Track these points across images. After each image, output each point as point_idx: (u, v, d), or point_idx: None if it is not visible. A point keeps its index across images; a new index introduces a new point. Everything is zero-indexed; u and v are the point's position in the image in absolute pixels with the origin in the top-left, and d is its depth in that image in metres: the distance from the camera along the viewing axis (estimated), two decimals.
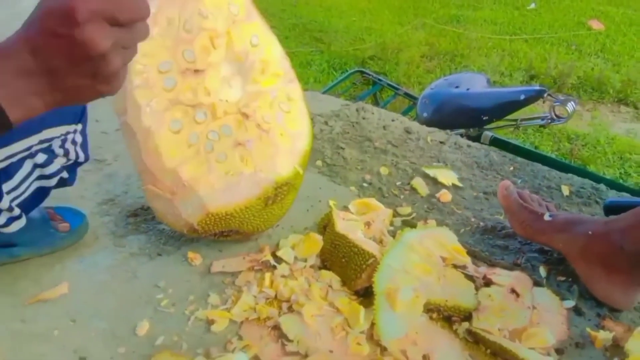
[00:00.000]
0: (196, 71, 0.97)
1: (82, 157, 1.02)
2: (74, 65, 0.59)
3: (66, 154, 0.98)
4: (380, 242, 1.08)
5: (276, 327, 0.90)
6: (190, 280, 1.00)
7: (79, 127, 1.00)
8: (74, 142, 1.00)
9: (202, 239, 1.06)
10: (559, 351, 0.89)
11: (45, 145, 0.93)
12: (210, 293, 0.97)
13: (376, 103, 2.55)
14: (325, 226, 1.13)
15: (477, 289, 0.98)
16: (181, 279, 1.00)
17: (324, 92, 2.18)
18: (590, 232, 1.00)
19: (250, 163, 1.00)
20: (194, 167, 0.97)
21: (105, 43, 0.58)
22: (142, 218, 1.15)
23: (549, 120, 1.77)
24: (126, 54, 0.62)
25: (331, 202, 1.24)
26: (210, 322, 0.91)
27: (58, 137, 0.95)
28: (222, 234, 1.04)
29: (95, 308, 0.92)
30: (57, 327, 0.87)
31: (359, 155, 1.46)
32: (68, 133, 0.97)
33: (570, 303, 0.98)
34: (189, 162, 0.96)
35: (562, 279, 1.04)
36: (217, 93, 1.00)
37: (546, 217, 1.06)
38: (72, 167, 1.02)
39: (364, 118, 1.64)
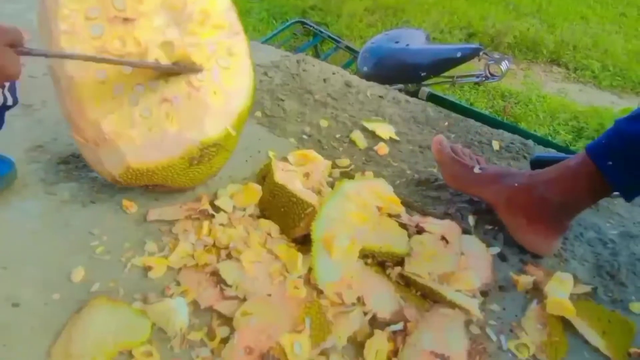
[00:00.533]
0: (125, 19, 0.93)
1: (10, 101, 0.97)
2: None
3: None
4: (319, 192, 1.10)
5: (214, 273, 0.91)
6: (125, 228, 0.99)
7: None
8: (1, 86, 0.94)
9: (136, 187, 1.04)
10: (483, 293, 0.96)
11: None
12: (146, 241, 0.96)
13: (317, 55, 2.53)
14: (264, 176, 1.14)
15: (409, 236, 1.02)
16: (116, 227, 0.99)
17: (263, 42, 2.13)
18: (515, 184, 1.05)
19: (176, 121, 0.97)
20: (117, 120, 0.93)
21: (17, 68, 0.79)
22: (73, 165, 1.11)
23: (484, 78, 1.83)
24: None
25: (270, 153, 1.25)
26: (147, 269, 0.91)
27: None
28: (148, 187, 1.02)
29: (27, 255, 0.89)
30: None
31: (299, 107, 1.46)
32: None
33: (496, 249, 1.04)
34: (112, 114, 0.93)
35: (489, 227, 1.10)
36: (148, 43, 0.96)
37: (476, 170, 1.11)
38: (0, 111, 0.97)
39: (304, 70, 1.63)
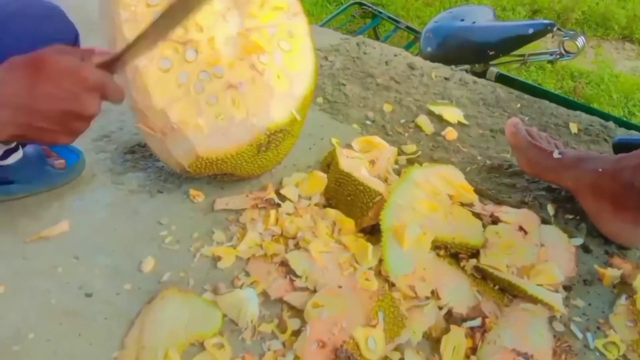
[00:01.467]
0: None
1: None
2: (58, 113, 0.68)
3: None
4: (385, 180, 1.06)
5: (283, 264, 0.89)
6: (193, 217, 0.98)
7: None
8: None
9: (203, 176, 1.04)
10: (567, 288, 0.90)
11: None
12: (214, 230, 0.96)
13: (376, 37, 2.47)
14: (328, 164, 1.11)
15: (484, 226, 0.96)
16: (184, 216, 0.98)
17: (320, 26, 2.09)
18: (600, 169, 0.98)
19: (242, 107, 0.95)
20: (183, 109, 0.92)
21: (97, 109, 0.71)
22: (139, 155, 1.11)
23: (558, 56, 1.72)
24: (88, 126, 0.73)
25: (334, 140, 1.21)
26: (216, 259, 0.90)
27: None
28: (216, 176, 1.01)
29: (98, 245, 0.90)
30: (60, 264, 0.85)
31: (361, 91, 1.41)
32: None
33: (579, 240, 0.98)
34: (178, 102, 0.92)
35: (570, 216, 1.03)
36: (210, 29, 0.94)
37: (555, 155, 1.03)
38: None
39: (365, 53, 1.58)
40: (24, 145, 0.93)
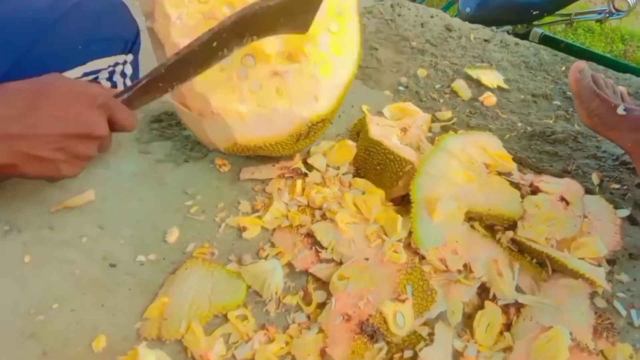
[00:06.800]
0: None
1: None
2: (61, 137, 0.62)
3: (113, 86, 0.91)
4: (418, 148, 1.01)
5: (309, 235, 0.86)
6: (219, 187, 0.96)
7: (130, 57, 0.91)
8: (123, 75, 0.91)
9: None
10: (610, 262, 0.84)
11: (90, 78, 0.85)
12: (240, 200, 0.93)
13: None
14: (358, 132, 1.07)
15: (522, 197, 0.91)
16: (210, 186, 0.96)
17: None
18: None
19: (286, 97, 0.90)
20: (225, 94, 0.88)
21: (105, 130, 0.66)
22: (166, 123, 1.09)
23: (607, 14, 1.60)
24: (94, 154, 0.69)
25: (364, 107, 1.17)
26: (241, 229, 0.88)
27: (105, 69, 0.87)
28: (250, 156, 0.99)
29: (123, 215, 0.89)
30: (85, 234, 0.85)
31: (395, 56, 1.35)
32: (117, 64, 0.89)
33: (625, 212, 0.91)
34: (220, 87, 0.87)
35: (616, 186, 0.97)
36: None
37: (620, 111, 0.94)
38: None
39: (399, 15, 1.51)
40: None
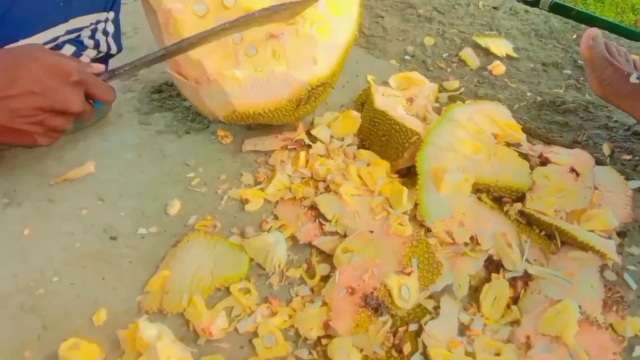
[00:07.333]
0: None
1: (113, 49, 0.93)
2: (37, 111, 0.65)
3: (96, 45, 0.89)
4: (424, 119, 0.99)
5: (313, 207, 0.85)
6: (221, 159, 0.94)
7: (111, 15, 0.90)
8: (105, 33, 0.90)
9: None
10: (621, 234, 0.82)
11: (73, 35, 0.84)
12: (242, 172, 0.92)
13: None
14: (363, 103, 1.04)
15: (531, 168, 0.89)
16: (212, 158, 0.95)
17: None
18: None
19: (283, 59, 0.87)
20: (220, 59, 0.85)
21: (81, 106, 0.69)
22: (167, 94, 1.07)
23: None
24: (70, 127, 0.71)
25: (369, 77, 1.14)
26: (244, 202, 0.87)
27: (87, 27, 0.85)
28: (251, 125, 0.96)
29: (124, 187, 0.88)
30: (85, 206, 0.84)
31: (401, 24, 1.31)
32: (98, 22, 0.87)
33: (636, 183, 0.89)
34: (215, 52, 0.85)
35: (628, 157, 0.94)
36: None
37: (632, 79, 0.92)
38: (103, 60, 0.93)
39: None
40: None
